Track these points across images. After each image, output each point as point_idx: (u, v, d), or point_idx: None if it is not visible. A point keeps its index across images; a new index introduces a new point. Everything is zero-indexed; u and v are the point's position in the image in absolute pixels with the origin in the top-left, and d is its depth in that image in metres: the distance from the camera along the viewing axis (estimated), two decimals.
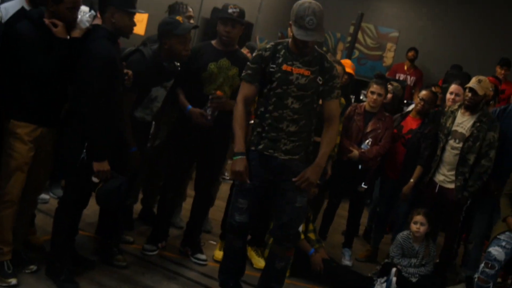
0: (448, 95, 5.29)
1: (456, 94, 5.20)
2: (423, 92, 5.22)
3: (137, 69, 3.68)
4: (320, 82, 3.45)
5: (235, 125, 3.43)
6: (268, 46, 3.50)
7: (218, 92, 3.95)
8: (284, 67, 3.40)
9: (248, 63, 3.53)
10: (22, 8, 3.34)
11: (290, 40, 3.48)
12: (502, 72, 7.46)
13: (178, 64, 3.98)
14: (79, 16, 3.55)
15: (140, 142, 3.89)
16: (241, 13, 4.02)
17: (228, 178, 5.81)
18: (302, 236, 4.39)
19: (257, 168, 3.46)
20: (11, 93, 3.29)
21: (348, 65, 5.66)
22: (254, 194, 3.50)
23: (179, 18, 3.85)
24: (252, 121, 3.69)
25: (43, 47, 3.24)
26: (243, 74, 3.53)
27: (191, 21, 4.47)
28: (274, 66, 3.41)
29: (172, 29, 3.74)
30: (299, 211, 3.51)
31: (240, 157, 3.36)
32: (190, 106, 4.01)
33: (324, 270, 4.47)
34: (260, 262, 4.37)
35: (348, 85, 5.58)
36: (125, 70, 3.61)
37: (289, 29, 3.47)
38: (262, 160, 3.45)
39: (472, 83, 4.72)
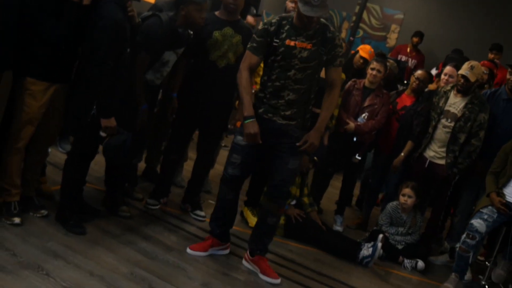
0: (442, 76, 5.50)
1: (450, 76, 5.41)
2: (419, 72, 5.44)
3: (153, 32, 3.85)
4: (323, 52, 3.62)
5: (241, 91, 3.60)
6: (273, 20, 3.63)
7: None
8: (288, 42, 3.57)
9: (254, 35, 3.67)
10: None
11: (294, 14, 3.64)
12: (492, 56, 7.63)
13: (192, 32, 4.15)
14: None
15: (148, 103, 4.08)
16: None
17: (227, 147, 6.03)
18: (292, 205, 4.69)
19: None
20: (26, 52, 3.44)
21: (366, 50, 5.85)
22: (248, 151, 3.72)
23: None
24: (254, 90, 3.90)
25: (53, 10, 3.39)
26: (248, 46, 3.67)
27: None
28: (278, 41, 3.58)
29: None
30: (291, 172, 3.75)
31: (250, 120, 3.55)
32: (175, 95, 4.29)
33: (314, 233, 4.73)
34: (255, 221, 4.62)
35: (363, 69, 5.76)
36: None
37: (290, 4, 3.60)
38: (261, 122, 3.63)
39: (464, 70, 4.89)
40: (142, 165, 5.16)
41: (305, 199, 4.88)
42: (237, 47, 4.24)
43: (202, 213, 4.55)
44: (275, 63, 3.61)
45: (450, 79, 5.42)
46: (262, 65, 3.82)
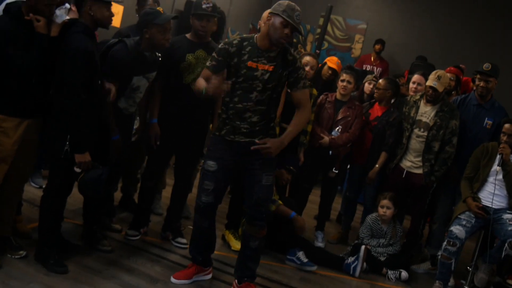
0: (410, 85, 5.60)
1: (418, 84, 5.51)
2: (380, 81, 5.50)
3: (120, 58, 3.82)
4: (284, 74, 3.60)
5: (199, 84, 3.52)
6: (235, 42, 3.60)
7: None
8: (250, 63, 3.54)
9: (214, 54, 3.62)
10: (5, 3, 3.42)
11: (258, 35, 3.62)
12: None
13: (159, 54, 4.13)
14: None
15: (122, 132, 4.03)
16: (214, 7, 4.19)
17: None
18: (280, 202, 4.66)
19: (220, 151, 3.66)
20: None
21: (333, 61, 5.88)
22: (219, 176, 3.68)
23: (159, 8, 4.00)
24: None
25: (22, 42, 3.32)
26: (207, 64, 3.63)
27: None
28: (239, 62, 3.55)
29: (153, 19, 3.86)
30: (267, 189, 3.71)
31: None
32: (155, 120, 4.26)
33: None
34: (237, 245, 4.57)
35: (333, 80, 5.80)
36: (107, 85, 3.76)
37: (260, 22, 3.60)
38: (225, 144, 3.63)
39: (432, 80, 4.99)
40: (118, 194, 5.09)
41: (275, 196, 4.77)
42: None
43: (184, 240, 4.50)
44: (237, 85, 3.58)
45: (419, 87, 5.51)
46: None
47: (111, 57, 3.84)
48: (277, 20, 3.45)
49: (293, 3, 3.49)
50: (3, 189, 3.65)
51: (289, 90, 3.90)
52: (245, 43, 3.58)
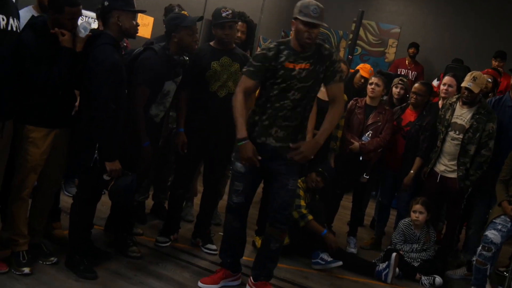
0: (441, 87, 5.47)
1: (449, 85, 5.37)
2: (415, 86, 5.40)
3: (151, 65, 3.87)
4: (321, 70, 3.66)
5: (235, 114, 3.59)
6: (272, 46, 3.67)
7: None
8: (287, 64, 3.60)
9: (251, 60, 3.70)
10: (31, 17, 3.50)
11: (291, 38, 3.68)
12: (496, 64, 7.64)
13: (187, 58, 4.17)
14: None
15: (152, 139, 4.06)
16: (234, 14, 4.23)
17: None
18: (310, 217, 4.63)
19: None
20: (23, 99, 3.45)
21: (366, 70, 5.88)
22: (248, 177, 3.74)
23: (184, 12, 4.04)
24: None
25: (48, 56, 3.38)
26: (244, 70, 3.69)
27: None
28: (277, 64, 3.60)
29: (180, 22, 3.94)
30: (292, 193, 3.75)
31: (244, 142, 3.56)
32: (182, 129, 4.28)
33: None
34: None
35: (364, 88, 5.74)
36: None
37: (292, 28, 3.65)
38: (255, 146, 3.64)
39: (467, 81, 4.86)
40: (149, 202, 5.14)
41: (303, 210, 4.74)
42: (236, 75, 4.25)
43: (213, 247, 4.51)
44: (275, 85, 3.63)
45: (450, 89, 5.38)
46: None
47: (141, 65, 3.89)
48: (298, 23, 3.54)
49: (308, 1, 3.53)
50: (35, 198, 3.76)
51: (322, 88, 3.95)
52: (281, 47, 3.64)
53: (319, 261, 4.63)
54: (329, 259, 4.62)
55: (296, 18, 3.56)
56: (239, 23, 4.94)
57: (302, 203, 4.67)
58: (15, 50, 3.32)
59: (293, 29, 3.64)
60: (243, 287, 3.99)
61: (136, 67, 3.89)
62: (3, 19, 3.20)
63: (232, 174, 3.84)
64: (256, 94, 4.06)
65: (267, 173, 3.77)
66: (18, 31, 3.36)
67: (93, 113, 3.45)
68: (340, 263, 4.61)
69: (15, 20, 3.33)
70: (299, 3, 3.57)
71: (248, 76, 3.64)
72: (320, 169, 4.80)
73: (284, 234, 3.85)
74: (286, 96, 3.63)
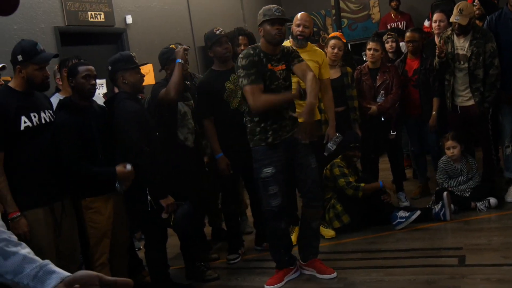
0: (433, 25, 5.66)
1: (440, 21, 5.56)
2: (407, 35, 5.61)
3: (160, 90, 4.20)
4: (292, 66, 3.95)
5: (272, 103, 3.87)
6: (250, 52, 3.88)
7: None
8: (269, 66, 3.87)
9: (245, 70, 3.78)
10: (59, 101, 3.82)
11: (262, 44, 3.93)
12: None
13: (188, 82, 4.46)
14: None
15: (191, 165, 4.35)
16: (225, 32, 4.53)
17: None
18: (363, 184, 4.88)
19: (272, 157, 3.90)
20: (78, 176, 3.68)
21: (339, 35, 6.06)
22: (278, 177, 3.91)
23: (172, 46, 4.34)
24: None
25: (85, 131, 3.62)
26: (245, 82, 3.76)
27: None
28: (264, 67, 3.85)
29: (170, 56, 4.27)
30: (316, 171, 4.04)
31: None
32: (221, 154, 4.50)
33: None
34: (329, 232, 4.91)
35: (348, 52, 5.98)
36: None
37: (261, 34, 3.92)
38: (274, 149, 3.89)
39: (455, 15, 5.01)
40: (208, 229, 5.38)
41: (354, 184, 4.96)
42: None
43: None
44: (265, 89, 3.83)
45: (441, 24, 5.57)
46: None
47: (154, 97, 4.24)
48: (266, 26, 3.84)
49: (267, 5, 3.89)
50: (112, 260, 3.95)
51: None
52: (257, 50, 3.89)
53: (399, 220, 4.80)
54: (407, 214, 4.81)
55: (262, 23, 3.86)
56: (240, 37, 5.24)
57: (351, 179, 4.92)
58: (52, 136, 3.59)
59: (262, 35, 3.91)
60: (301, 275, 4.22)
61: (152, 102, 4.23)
62: (34, 116, 3.48)
63: (261, 181, 3.93)
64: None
65: (291, 163, 3.98)
66: (52, 119, 3.62)
67: (134, 161, 3.70)
68: (418, 212, 4.81)
69: (47, 112, 3.60)
70: (260, 11, 3.90)
71: (255, 83, 3.75)
72: (351, 145, 5.01)
73: (320, 212, 4.13)
74: None
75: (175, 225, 3.96)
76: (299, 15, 4.66)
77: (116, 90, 4.19)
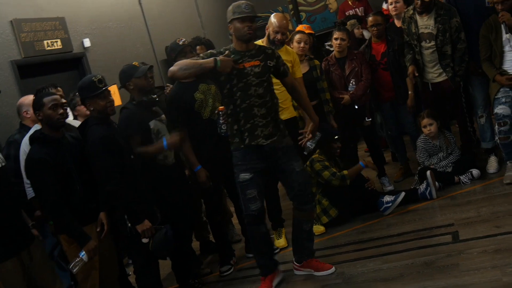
0: (390, 7, 5.65)
1: (396, 2, 5.56)
2: (369, 19, 5.56)
3: (128, 115, 4.05)
4: (271, 65, 3.86)
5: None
6: (220, 51, 3.83)
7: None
8: (239, 66, 3.77)
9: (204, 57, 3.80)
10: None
11: (233, 42, 3.87)
12: None
13: (155, 96, 4.26)
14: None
15: (174, 183, 4.20)
16: (187, 42, 4.44)
17: None
18: (345, 171, 4.85)
19: (249, 162, 3.84)
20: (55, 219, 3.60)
21: (300, 28, 6.02)
22: (256, 180, 3.85)
23: (135, 63, 4.21)
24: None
25: (60, 165, 3.52)
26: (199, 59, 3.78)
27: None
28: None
29: (132, 74, 4.06)
30: (302, 174, 3.95)
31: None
32: (199, 167, 4.40)
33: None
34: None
35: (314, 44, 5.98)
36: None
37: (231, 32, 3.83)
38: (251, 152, 3.83)
39: None
40: (195, 244, 5.24)
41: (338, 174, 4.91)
42: (218, 95, 4.40)
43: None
44: (234, 88, 3.78)
45: (397, 5, 5.57)
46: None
47: (123, 121, 4.05)
48: (236, 23, 3.75)
49: (237, 3, 3.77)
50: None
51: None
52: (227, 52, 3.81)
53: (386, 205, 4.79)
54: (392, 198, 4.80)
55: (231, 21, 3.77)
56: (197, 47, 5.17)
57: (334, 169, 4.87)
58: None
59: (232, 32, 3.83)
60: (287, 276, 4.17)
61: (118, 127, 4.02)
62: None
63: (240, 186, 3.89)
64: (222, 109, 4.21)
65: (272, 170, 3.93)
66: (3, 164, 3.52)
67: (105, 189, 3.61)
68: (403, 193, 4.82)
69: None
70: (229, 8, 3.79)
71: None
72: (334, 137, 4.97)
73: (312, 213, 4.06)
74: (249, 94, 3.78)
75: (153, 251, 3.84)
76: (276, 21, 4.52)
77: None
